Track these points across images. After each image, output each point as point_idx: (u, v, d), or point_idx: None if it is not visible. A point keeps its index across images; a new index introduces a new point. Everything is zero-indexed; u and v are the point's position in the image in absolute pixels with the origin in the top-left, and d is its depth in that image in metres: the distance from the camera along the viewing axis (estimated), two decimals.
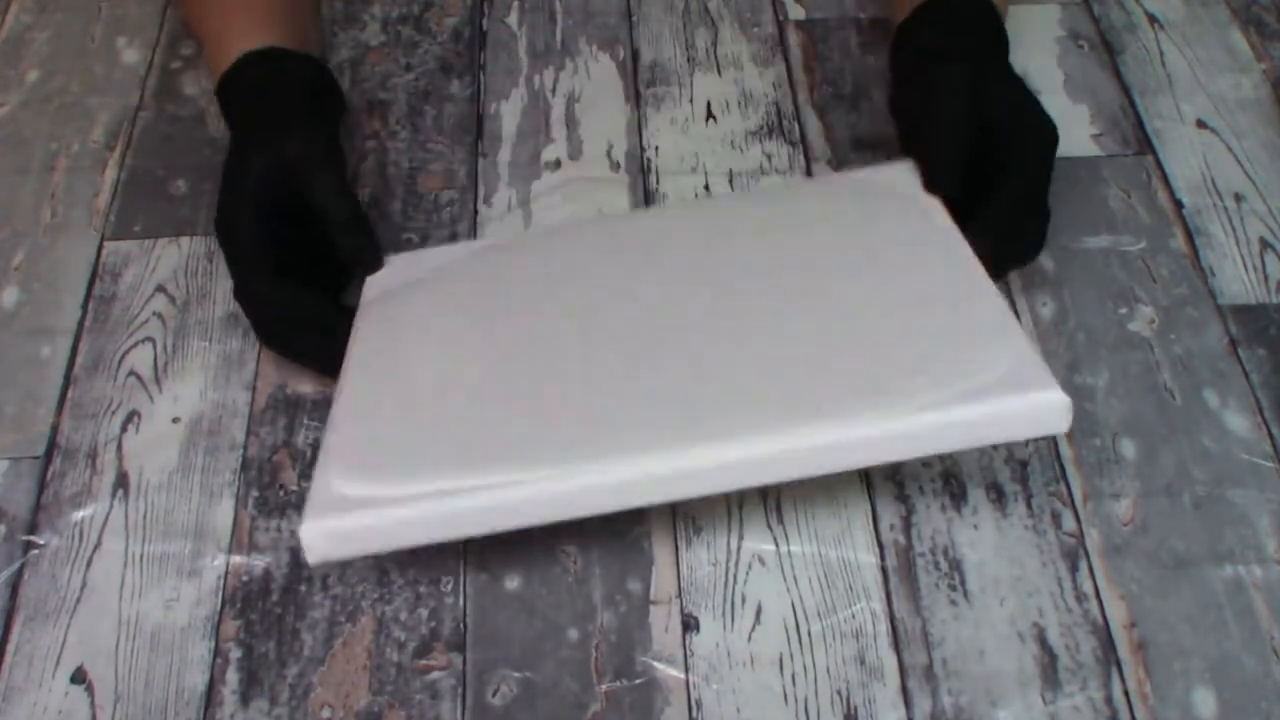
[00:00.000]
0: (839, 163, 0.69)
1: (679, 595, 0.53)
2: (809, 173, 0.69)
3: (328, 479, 0.47)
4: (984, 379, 0.47)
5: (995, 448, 0.57)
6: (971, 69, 0.58)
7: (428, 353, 0.54)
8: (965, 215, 0.56)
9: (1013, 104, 0.58)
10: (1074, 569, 0.54)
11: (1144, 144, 0.70)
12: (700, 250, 0.57)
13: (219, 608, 0.53)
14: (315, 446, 0.57)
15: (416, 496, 0.46)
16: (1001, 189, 0.56)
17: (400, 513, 0.46)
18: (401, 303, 0.57)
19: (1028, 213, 0.57)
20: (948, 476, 0.56)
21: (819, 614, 0.52)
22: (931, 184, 0.58)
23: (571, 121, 0.71)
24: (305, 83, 0.62)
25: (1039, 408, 0.47)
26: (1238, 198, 0.68)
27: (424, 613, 0.53)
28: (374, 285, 0.59)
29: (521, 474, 0.46)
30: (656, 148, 0.70)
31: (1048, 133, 0.57)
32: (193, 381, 0.60)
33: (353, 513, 0.46)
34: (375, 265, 0.59)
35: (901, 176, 0.60)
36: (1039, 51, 0.75)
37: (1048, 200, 0.57)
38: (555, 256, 0.59)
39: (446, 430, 0.49)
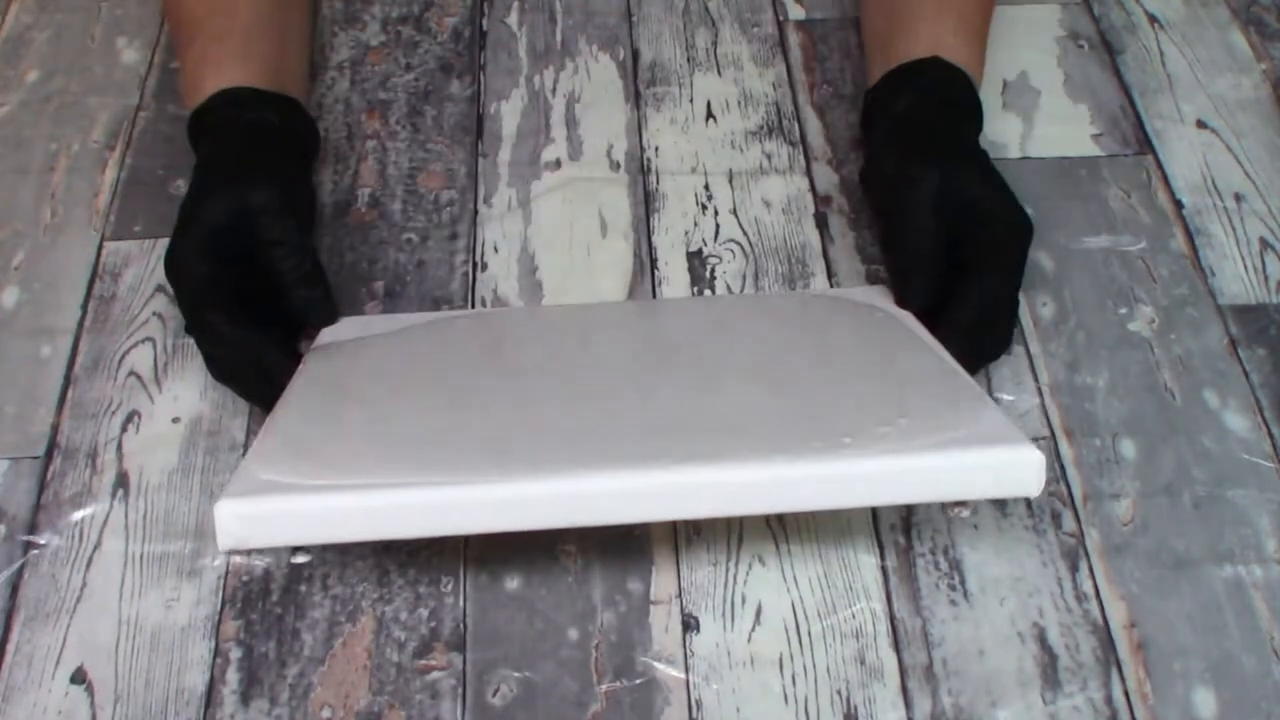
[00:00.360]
0: (839, 162, 0.69)
1: (679, 595, 0.53)
2: (809, 172, 0.69)
3: (250, 466, 0.45)
4: (955, 434, 0.44)
5: None
6: (940, 174, 0.56)
7: (370, 382, 0.54)
8: (937, 314, 0.56)
9: (983, 203, 0.56)
10: (1074, 569, 0.54)
11: (1144, 144, 0.70)
12: (661, 337, 0.57)
13: (219, 608, 0.53)
14: None
15: (336, 487, 0.43)
16: (968, 297, 0.55)
17: (318, 500, 0.43)
18: (353, 346, 0.57)
19: (995, 318, 0.57)
20: None
21: (819, 614, 0.52)
22: (901, 301, 0.58)
23: (571, 121, 0.71)
24: (276, 129, 0.61)
25: (1011, 464, 0.44)
26: (1238, 198, 0.68)
27: (424, 613, 0.53)
28: (327, 335, 0.59)
29: (446, 478, 0.43)
30: (656, 148, 0.70)
31: (1019, 229, 0.56)
32: (193, 381, 0.60)
33: (270, 496, 0.43)
34: (328, 319, 0.59)
35: (873, 294, 0.60)
36: (1039, 51, 0.75)
37: (1018, 298, 0.57)
38: (512, 330, 0.59)
39: (378, 440, 0.48)
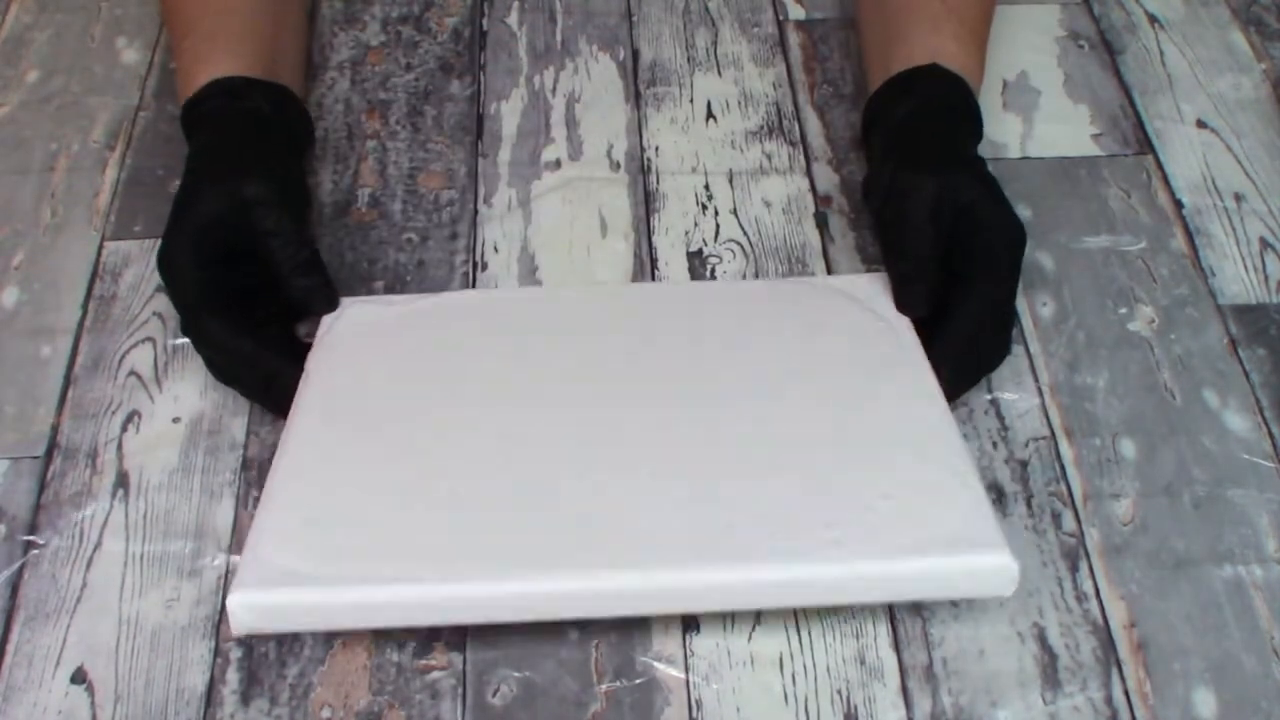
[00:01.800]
0: (839, 162, 0.69)
1: None
2: (809, 172, 0.69)
3: (259, 550, 0.47)
4: (934, 532, 0.47)
5: (994, 446, 0.57)
6: (937, 183, 0.56)
7: (371, 434, 0.53)
8: (935, 322, 0.56)
9: (978, 211, 0.56)
10: (1074, 569, 0.54)
11: (1144, 144, 0.70)
12: (661, 349, 0.57)
13: (219, 608, 0.53)
14: None
15: (346, 580, 0.46)
16: (964, 306, 0.55)
17: (328, 595, 0.46)
18: (352, 364, 0.56)
19: (993, 327, 0.56)
20: None
21: (819, 614, 0.52)
22: (901, 307, 0.58)
23: (571, 121, 0.71)
24: (269, 118, 0.61)
25: (987, 571, 0.47)
26: (1238, 198, 0.68)
27: None
28: (328, 324, 0.58)
29: (448, 572, 0.46)
30: (656, 148, 0.70)
31: (1013, 237, 0.56)
32: (193, 381, 0.60)
33: (283, 588, 0.46)
34: (329, 306, 0.59)
35: (874, 288, 0.60)
36: (1039, 51, 0.75)
37: (1014, 305, 0.57)
38: (509, 336, 0.58)
39: (384, 519, 0.49)
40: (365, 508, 0.49)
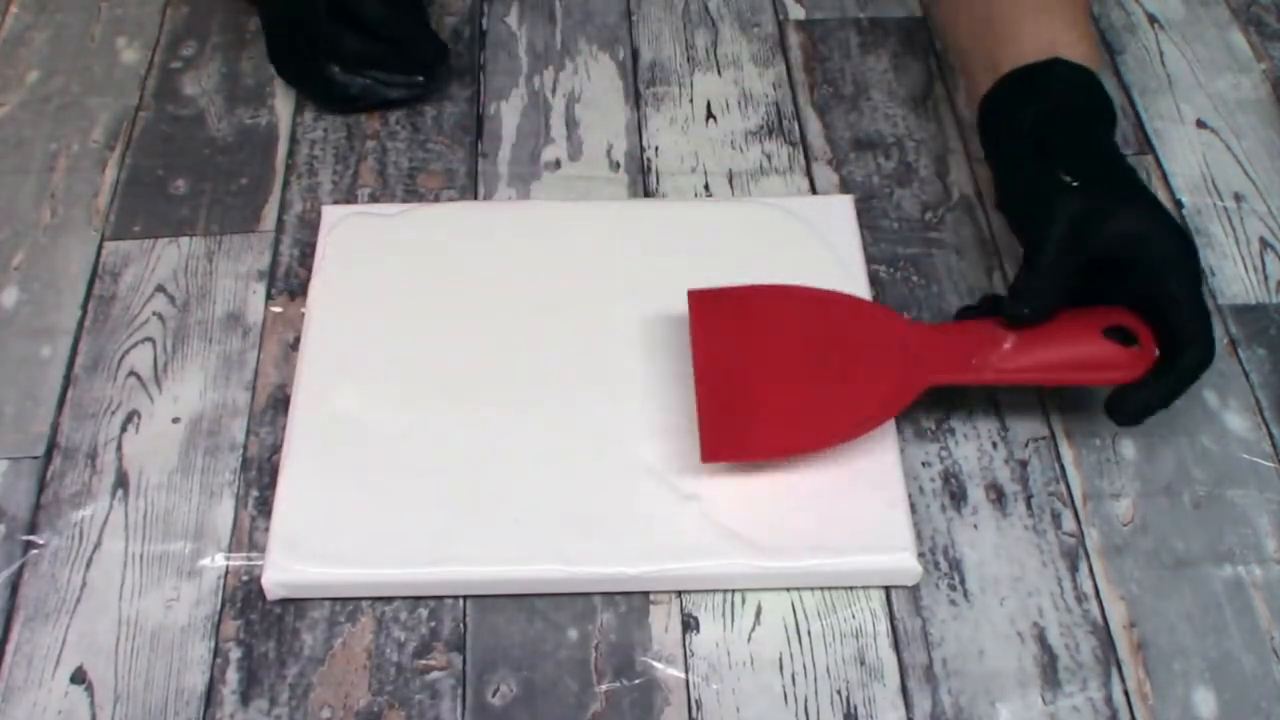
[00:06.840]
0: (839, 163, 0.69)
1: (679, 595, 0.53)
2: (809, 173, 0.69)
3: (284, 530, 0.53)
4: (852, 532, 0.53)
5: (994, 446, 0.57)
6: (1083, 200, 0.52)
7: (370, 396, 0.57)
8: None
9: (1152, 246, 0.52)
10: (1074, 569, 0.54)
11: (1144, 144, 0.70)
12: (618, 275, 0.61)
13: (219, 608, 0.53)
14: None
15: (359, 563, 0.53)
16: (1173, 345, 0.52)
17: (350, 573, 0.53)
18: (348, 307, 0.60)
19: (1200, 339, 0.52)
20: (948, 476, 0.57)
21: (819, 614, 0.52)
22: (1010, 315, 0.54)
23: (571, 121, 0.71)
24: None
25: (893, 568, 0.53)
26: (1238, 198, 0.68)
27: (424, 613, 0.53)
28: (324, 245, 0.63)
29: (440, 563, 0.53)
30: (656, 148, 0.70)
31: (1185, 251, 0.53)
32: (193, 381, 0.60)
33: (310, 569, 0.52)
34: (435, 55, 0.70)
35: (825, 212, 0.63)
36: None
37: (1206, 309, 0.52)
38: (489, 257, 0.62)
39: (383, 494, 0.54)
40: (370, 480, 0.54)
